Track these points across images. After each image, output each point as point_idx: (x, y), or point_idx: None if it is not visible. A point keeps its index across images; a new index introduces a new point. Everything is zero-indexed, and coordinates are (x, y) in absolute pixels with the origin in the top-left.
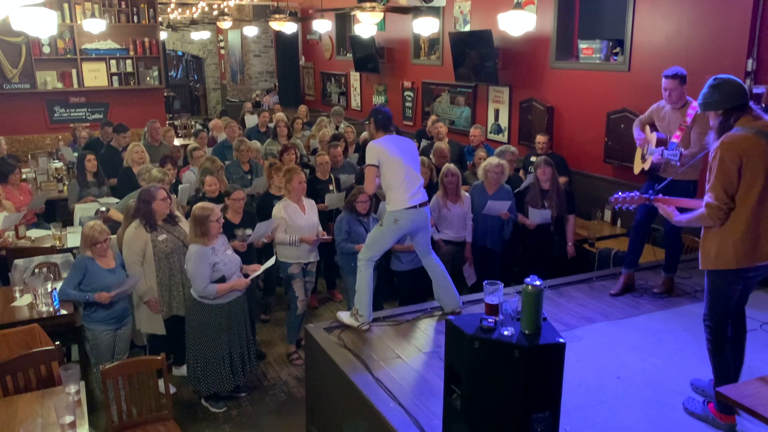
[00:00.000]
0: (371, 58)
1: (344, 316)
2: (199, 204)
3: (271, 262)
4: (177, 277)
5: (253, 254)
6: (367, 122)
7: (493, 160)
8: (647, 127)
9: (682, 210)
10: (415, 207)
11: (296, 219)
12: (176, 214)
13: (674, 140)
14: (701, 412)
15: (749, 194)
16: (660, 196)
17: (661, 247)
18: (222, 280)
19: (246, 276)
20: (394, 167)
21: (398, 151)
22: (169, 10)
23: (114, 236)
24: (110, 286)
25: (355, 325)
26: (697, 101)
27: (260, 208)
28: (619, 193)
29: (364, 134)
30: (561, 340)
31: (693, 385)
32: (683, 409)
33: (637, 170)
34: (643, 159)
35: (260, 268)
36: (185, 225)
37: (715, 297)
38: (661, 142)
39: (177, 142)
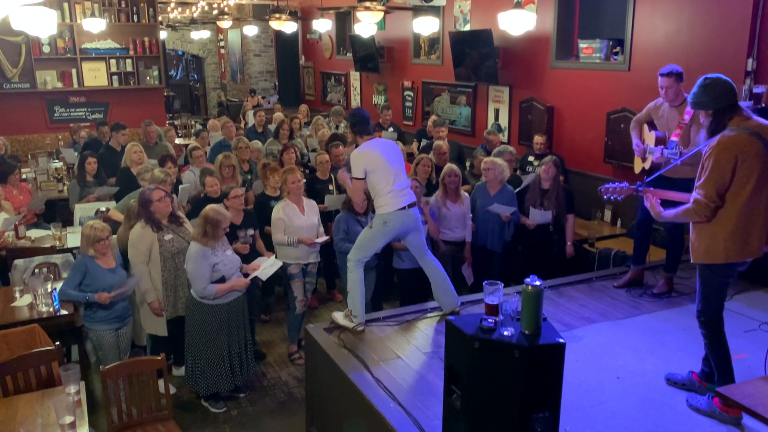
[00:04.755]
0: (371, 57)
1: (339, 317)
2: (215, 207)
3: (278, 265)
4: (182, 277)
5: (254, 255)
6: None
7: (487, 159)
8: (645, 126)
9: (669, 204)
10: (404, 208)
11: (294, 219)
12: (179, 215)
13: (674, 138)
14: (706, 407)
15: (741, 192)
16: (650, 188)
17: (662, 247)
18: (222, 280)
19: (246, 276)
20: (380, 171)
21: (384, 154)
22: (169, 9)
23: (114, 236)
24: (111, 286)
25: (350, 326)
26: (688, 100)
27: (256, 208)
28: (609, 184)
29: None
30: (561, 340)
31: (669, 379)
32: (687, 405)
33: (637, 169)
34: (643, 159)
35: (260, 268)
36: (189, 226)
37: (710, 291)
38: (660, 141)
39: (177, 141)
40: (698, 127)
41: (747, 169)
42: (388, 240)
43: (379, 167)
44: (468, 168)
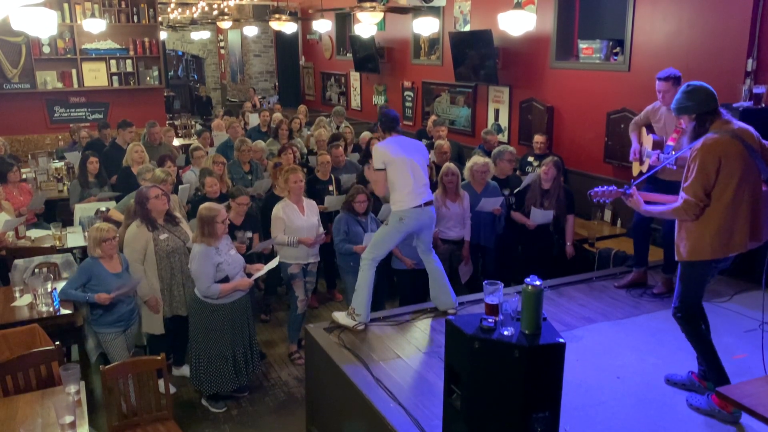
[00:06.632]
0: (371, 58)
1: (340, 317)
2: (206, 204)
3: (275, 262)
4: (178, 276)
5: (255, 255)
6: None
7: (480, 159)
8: (643, 129)
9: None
10: (420, 206)
11: (294, 220)
12: (176, 215)
13: (670, 143)
14: (706, 407)
15: (725, 192)
16: (637, 191)
17: (661, 247)
18: (225, 280)
19: (249, 276)
20: (397, 167)
21: (402, 151)
22: (169, 10)
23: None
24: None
25: (350, 325)
26: (671, 106)
27: (265, 209)
28: (598, 188)
29: (365, 134)
30: (561, 340)
31: (669, 380)
32: (687, 405)
33: (635, 172)
34: (641, 162)
35: (263, 268)
36: (186, 226)
37: (689, 287)
38: (657, 145)
39: (176, 142)
40: None
41: (730, 169)
42: (403, 236)
43: (396, 162)
44: None
